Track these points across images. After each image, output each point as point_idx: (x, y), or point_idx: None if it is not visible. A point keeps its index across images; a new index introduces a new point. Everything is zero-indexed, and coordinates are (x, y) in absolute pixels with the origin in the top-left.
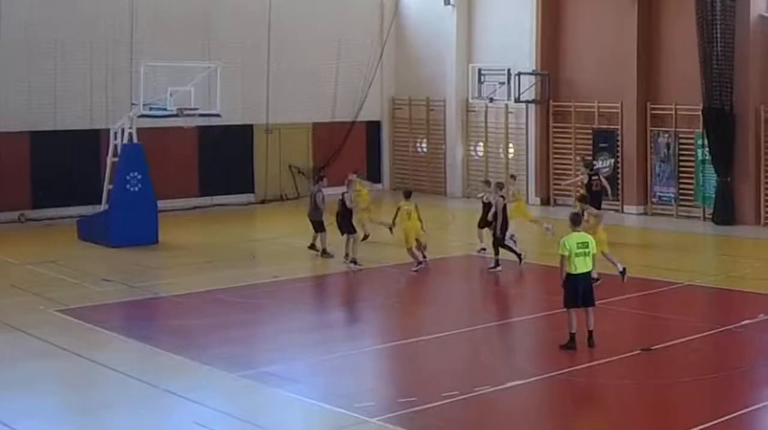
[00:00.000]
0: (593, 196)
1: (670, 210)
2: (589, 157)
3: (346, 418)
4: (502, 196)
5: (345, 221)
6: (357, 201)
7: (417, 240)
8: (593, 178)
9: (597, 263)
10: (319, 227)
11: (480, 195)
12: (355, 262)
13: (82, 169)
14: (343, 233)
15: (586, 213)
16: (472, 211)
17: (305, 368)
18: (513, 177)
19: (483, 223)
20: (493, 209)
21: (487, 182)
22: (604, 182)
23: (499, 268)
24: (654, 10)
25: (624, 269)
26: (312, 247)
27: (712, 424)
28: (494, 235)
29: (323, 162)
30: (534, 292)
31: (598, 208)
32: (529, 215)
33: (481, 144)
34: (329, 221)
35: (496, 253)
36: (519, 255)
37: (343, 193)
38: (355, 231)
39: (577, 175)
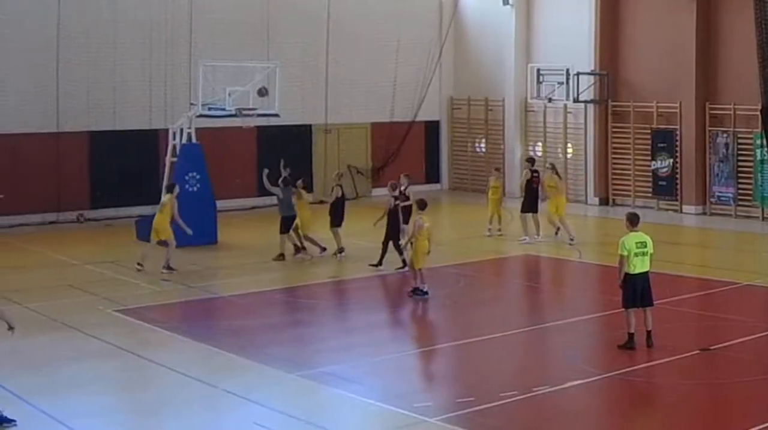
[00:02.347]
0: (532, 193)
1: (729, 210)
2: (531, 154)
3: (405, 418)
4: (395, 197)
5: (394, 226)
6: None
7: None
8: (534, 175)
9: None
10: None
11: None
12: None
13: (141, 169)
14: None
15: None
16: None
17: (363, 368)
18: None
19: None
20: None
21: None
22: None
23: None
24: (712, 10)
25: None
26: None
27: None
28: (393, 239)
29: (382, 162)
30: (592, 292)
31: (535, 203)
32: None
33: (540, 144)
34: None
35: (401, 253)
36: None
37: (393, 196)
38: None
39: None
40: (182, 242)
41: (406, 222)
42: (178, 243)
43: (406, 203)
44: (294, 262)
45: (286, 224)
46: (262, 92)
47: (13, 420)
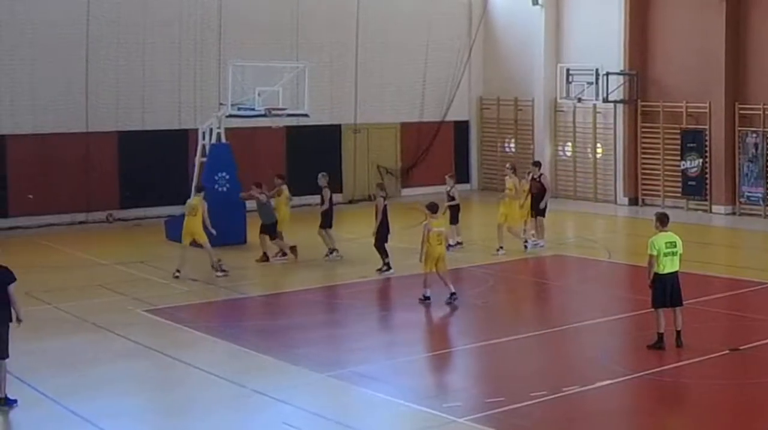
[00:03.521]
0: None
1: (758, 210)
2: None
3: (434, 418)
4: (383, 197)
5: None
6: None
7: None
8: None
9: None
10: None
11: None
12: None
13: (170, 169)
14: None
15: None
16: (561, 212)
17: (393, 367)
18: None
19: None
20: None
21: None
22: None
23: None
24: (742, 9)
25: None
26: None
27: None
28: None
29: (411, 162)
30: (621, 292)
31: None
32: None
33: (569, 144)
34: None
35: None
36: (387, 264)
37: (382, 196)
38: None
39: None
40: (211, 242)
41: (457, 222)
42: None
43: (453, 203)
44: (325, 263)
45: (269, 230)
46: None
47: (15, 400)
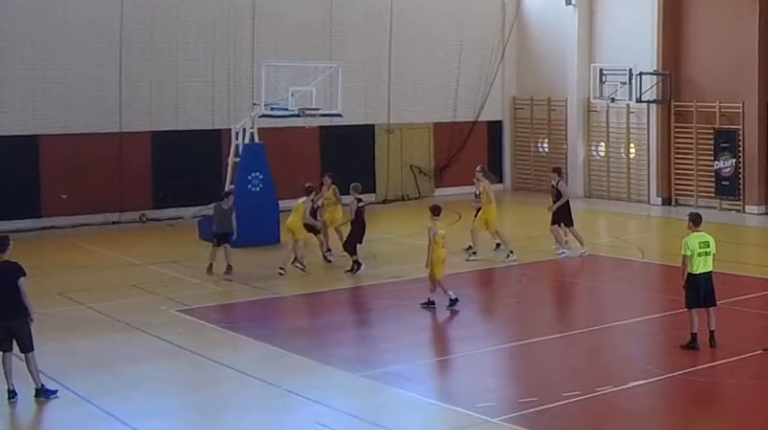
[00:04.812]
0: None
1: None
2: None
3: (468, 418)
4: (358, 199)
5: (359, 228)
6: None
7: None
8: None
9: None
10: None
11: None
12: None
13: (203, 169)
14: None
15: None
16: (595, 212)
17: (426, 368)
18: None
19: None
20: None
21: (556, 170)
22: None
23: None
24: None
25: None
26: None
27: None
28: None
29: (444, 162)
30: (654, 292)
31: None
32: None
33: (603, 144)
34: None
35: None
36: (358, 263)
37: (357, 199)
38: None
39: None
40: (244, 242)
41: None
42: (238, 242)
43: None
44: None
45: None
46: None
47: (54, 391)
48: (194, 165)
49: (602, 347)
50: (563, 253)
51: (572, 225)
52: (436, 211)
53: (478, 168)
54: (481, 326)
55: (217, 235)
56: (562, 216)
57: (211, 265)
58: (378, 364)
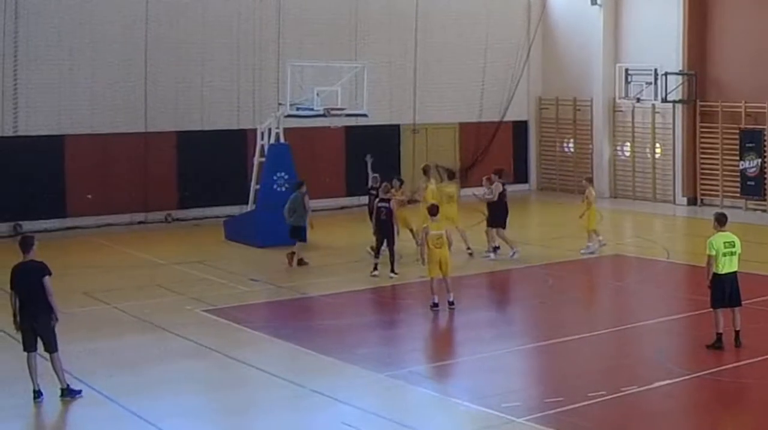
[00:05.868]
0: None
1: None
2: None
3: (493, 418)
4: (502, 182)
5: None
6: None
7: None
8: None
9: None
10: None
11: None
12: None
13: (229, 170)
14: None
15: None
16: (620, 212)
17: (451, 367)
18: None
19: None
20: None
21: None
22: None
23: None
24: None
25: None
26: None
27: None
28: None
29: (470, 162)
30: (679, 292)
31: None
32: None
33: (628, 144)
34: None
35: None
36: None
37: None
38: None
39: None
40: (269, 241)
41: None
42: (264, 243)
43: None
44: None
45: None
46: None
47: (79, 391)
48: (220, 165)
49: (628, 347)
50: (488, 256)
51: (504, 228)
52: (432, 211)
53: (422, 167)
54: (505, 326)
55: (291, 228)
56: (496, 219)
57: (293, 254)
58: (403, 364)
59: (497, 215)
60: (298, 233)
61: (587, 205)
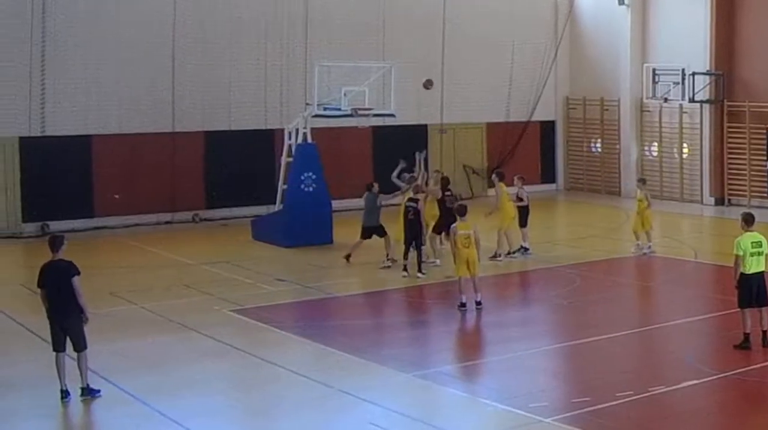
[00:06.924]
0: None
1: None
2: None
3: (521, 418)
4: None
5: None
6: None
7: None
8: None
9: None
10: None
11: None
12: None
13: (256, 169)
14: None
15: None
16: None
17: (478, 367)
18: (642, 181)
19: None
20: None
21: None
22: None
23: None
24: None
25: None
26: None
27: None
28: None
29: (497, 162)
30: (707, 292)
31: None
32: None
33: (656, 144)
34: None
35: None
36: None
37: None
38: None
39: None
40: (297, 241)
41: (525, 225)
42: (291, 243)
43: (522, 205)
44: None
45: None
46: (428, 85)
47: (98, 390)
48: (247, 165)
49: (655, 347)
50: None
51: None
52: (461, 211)
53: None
54: (533, 327)
55: (365, 228)
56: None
57: (349, 254)
58: (430, 364)
59: (522, 215)
60: (371, 233)
61: (645, 206)
